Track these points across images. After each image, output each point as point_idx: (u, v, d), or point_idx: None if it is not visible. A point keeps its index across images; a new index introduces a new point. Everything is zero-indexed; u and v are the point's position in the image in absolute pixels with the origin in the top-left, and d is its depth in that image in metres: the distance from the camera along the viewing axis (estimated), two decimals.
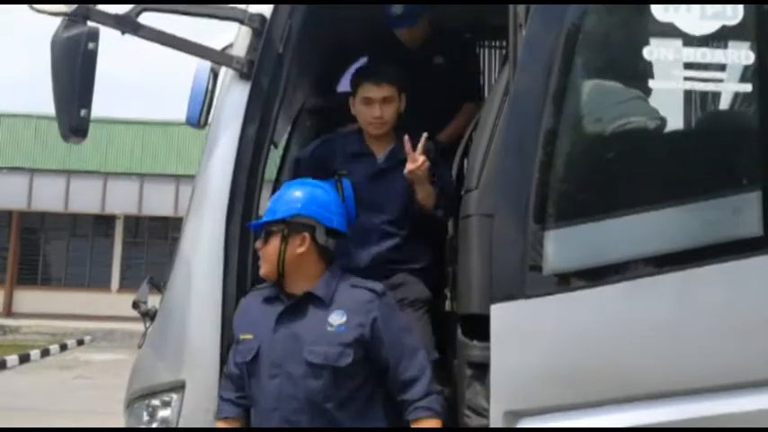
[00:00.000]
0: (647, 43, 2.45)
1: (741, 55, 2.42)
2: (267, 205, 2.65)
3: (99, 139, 19.36)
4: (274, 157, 3.79)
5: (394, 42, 3.67)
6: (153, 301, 2.95)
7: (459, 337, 2.68)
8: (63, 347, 15.69)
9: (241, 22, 2.81)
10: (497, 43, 4.53)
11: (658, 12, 2.44)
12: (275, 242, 2.49)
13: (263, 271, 2.55)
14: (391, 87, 2.98)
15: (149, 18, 2.73)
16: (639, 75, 2.50)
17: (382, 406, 2.49)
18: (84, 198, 20.85)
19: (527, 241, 2.39)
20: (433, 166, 2.94)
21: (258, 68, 2.78)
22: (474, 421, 2.52)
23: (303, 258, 2.49)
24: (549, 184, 2.41)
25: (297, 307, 2.49)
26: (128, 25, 2.68)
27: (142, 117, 21.65)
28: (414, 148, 2.85)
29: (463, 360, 2.61)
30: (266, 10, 2.82)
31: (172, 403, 2.69)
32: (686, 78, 2.45)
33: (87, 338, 17.38)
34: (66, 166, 20.58)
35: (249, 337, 2.50)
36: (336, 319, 2.44)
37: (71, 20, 2.56)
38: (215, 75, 3.15)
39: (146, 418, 2.75)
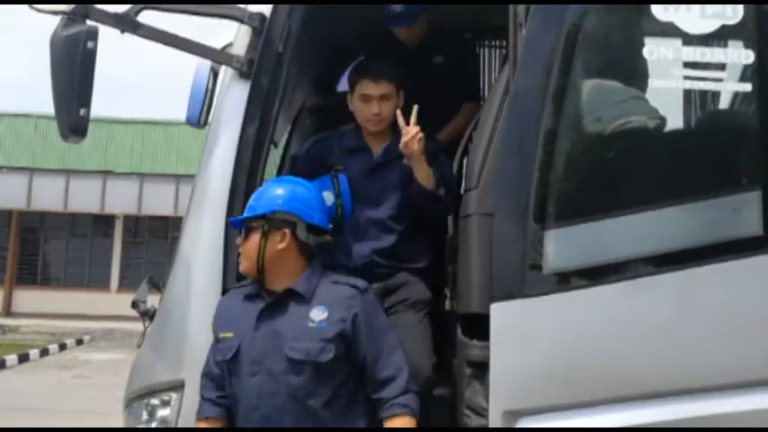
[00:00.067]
0: (646, 43, 2.46)
1: (741, 54, 2.42)
2: None
3: (99, 139, 19.36)
4: (274, 156, 3.79)
5: (393, 42, 3.67)
6: (152, 300, 2.95)
7: (458, 336, 2.67)
8: (62, 347, 15.69)
9: (241, 21, 2.81)
10: (497, 43, 4.53)
11: (658, 11, 2.44)
12: (255, 238, 2.48)
13: (242, 267, 2.54)
14: (389, 84, 2.97)
15: (149, 17, 2.73)
16: (639, 74, 2.50)
17: (363, 405, 2.48)
18: (84, 198, 20.84)
19: (527, 240, 2.39)
20: (432, 156, 2.93)
21: (258, 67, 2.78)
22: (473, 421, 2.52)
23: (283, 255, 2.48)
24: (548, 184, 2.41)
25: (277, 304, 2.48)
26: (127, 24, 2.68)
27: (142, 116, 21.64)
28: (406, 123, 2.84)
29: (463, 359, 2.61)
30: (266, 9, 2.82)
31: (171, 402, 2.69)
32: (686, 78, 2.45)
33: (86, 338, 17.37)
34: (66, 166, 20.58)
35: (229, 335, 2.49)
36: (318, 314, 2.43)
37: (70, 19, 2.56)
38: (215, 74, 3.15)
39: (145, 417, 2.75)
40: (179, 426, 2.67)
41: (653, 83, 2.49)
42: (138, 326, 3.02)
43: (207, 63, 3.12)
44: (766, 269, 2.30)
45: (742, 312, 2.31)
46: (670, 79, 2.46)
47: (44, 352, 14.57)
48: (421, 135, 2.84)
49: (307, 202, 2.54)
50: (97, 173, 20.77)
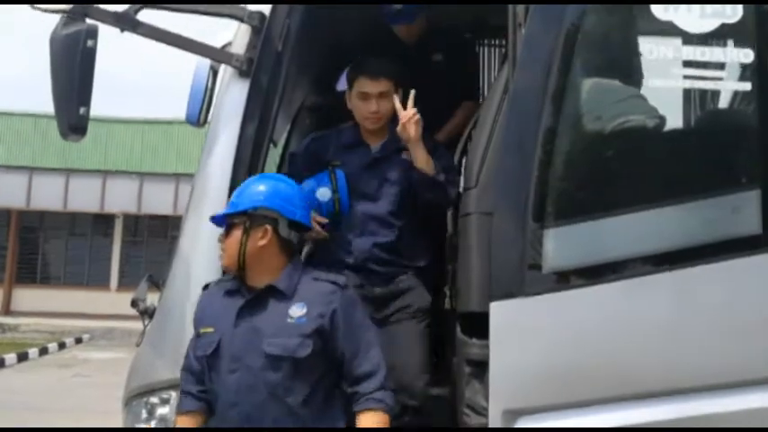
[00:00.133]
0: (646, 42, 2.46)
1: (740, 53, 2.42)
2: None
3: (98, 138, 19.36)
4: (274, 155, 3.78)
5: (392, 40, 3.67)
6: (152, 299, 2.95)
7: (458, 335, 2.68)
8: (61, 346, 15.68)
9: (240, 19, 2.81)
10: (496, 42, 4.53)
11: (658, 10, 2.44)
12: (237, 234, 2.48)
13: (223, 263, 2.54)
14: (388, 82, 2.96)
15: (148, 16, 2.73)
16: (638, 73, 2.50)
17: (341, 402, 2.46)
18: (84, 197, 20.84)
19: (526, 239, 2.39)
20: (432, 149, 2.93)
21: (257, 66, 2.78)
22: (473, 420, 2.52)
23: (265, 251, 2.48)
24: (548, 183, 2.41)
25: (257, 300, 2.47)
26: (127, 23, 2.68)
27: (141, 115, 21.64)
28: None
29: (462, 358, 2.61)
30: (265, 8, 2.82)
31: (170, 401, 2.69)
32: (685, 77, 2.46)
33: (86, 337, 17.37)
34: (66, 165, 20.58)
35: (210, 330, 2.49)
36: (297, 311, 2.43)
37: (70, 17, 2.56)
38: (214, 73, 3.15)
39: (144, 415, 2.75)
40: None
41: (652, 82, 2.50)
42: (137, 325, 3.02)
43: (206, 62, 3.12)
44: (765, 268, 2.30)
45: (741, 311, 2.32)
46: (669, 78, 2.47)
47: (43, 351, 14.57)
48: (418, 117, 2.84)
49: (288, 199, 2.53)
50: (97, 172, 20.76)
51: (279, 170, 3.93)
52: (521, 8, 2.59)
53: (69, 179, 20.82)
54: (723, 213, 2.40)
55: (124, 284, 20.92)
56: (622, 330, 2.34)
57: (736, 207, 2.38)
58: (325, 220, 2.90)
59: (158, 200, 20.59)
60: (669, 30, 2.43)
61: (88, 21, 2.58)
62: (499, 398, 2.38)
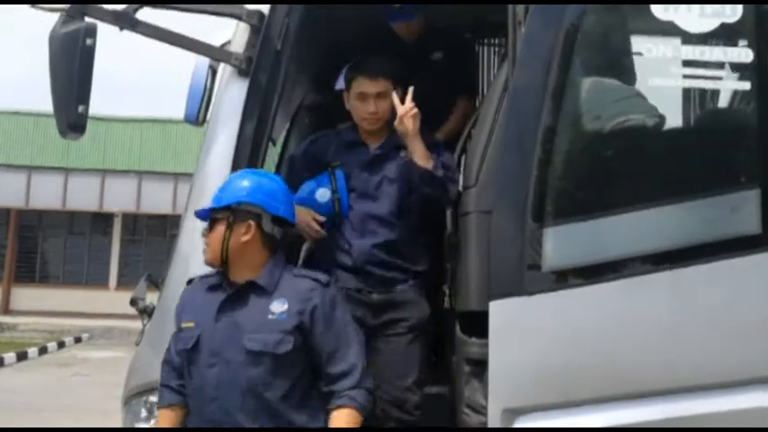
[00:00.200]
0: (645, 41, 2.46)
1: (739, 53, 2.42)
2: None
3: (97, 137, 19.34)
4: (273, 154, 3.78)
5: (392, 38, 3.66)
6: (151, 298, 2.95)
7: (457, 334, 2.68)
8: (61, 345, 15.68)
9: (239, 18, 2.81)
10: (496, 41, 4.52)
11: (657, 10, 2.44)
12: (220, 229, 2.48)
13: (206, 258, 2.54)
14: (386, 81, 2.94)
15: (148, 15, 2.73)
16: (638, 72, 2.50)
17: (319, 399, 2.45)
18: (82, 196, 20.82)
19: (526, 238, 2.39)
20: (431, 147, 2.92)
21: (256, 65, 2.78)
22: (472, 419, 2.52)
23: (247, 246, 2.48)
24: (547, 181, 2.41)
25: (239, 295, 2.48)
26: (126, 21, 2.68)
27: (140, 114, 21.62)
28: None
29: (462, 357, 2.61)
30: (265, 7, 2.82)
31: None
32: (685, 76, 2.46)
33: (85, 336, 17.36)
34: (64, 164, 20.55)
35: (191, 324, 2.49)
36: (278, 307, 2.43)
37: (69, 16, 2.55)
38: (213, 72, 3.15)
39: (143, 414, 2.75)
40: None
41: (652, 81, 2.50)
42: (136, 324, 3.02)
43: (205, 61, 3.11)
44: (764, 267, 2.31)
45: (740, 310, 2.32)
46: (669, 78, 2.47)
47: (43, 350, 14.57)
48: (415, 111, 2.83)
49: (272, 194, 2.53)
50: (95, 171, 20.75)
51: (278, 169, 3.93)
52: (520, 7, 2.59)
53: (68, 178, 20.80)
54: (722, 213, 2.40)
55: (123, 283, 20.90)
56: (621, 329, 2.34)
57: (735, 206, 2.38)
58: (323, 219, 2.89)
59: (157, 199, 20.58)
60: (669, 29, 2.43)
61: (87, 19, 2.58)
62: (498, 397, 2.38)
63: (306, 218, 2.88)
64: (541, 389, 2.36)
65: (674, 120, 2.54)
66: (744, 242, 2.33)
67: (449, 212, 3.02)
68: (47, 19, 2.60)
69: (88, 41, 2.55)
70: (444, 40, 3.70)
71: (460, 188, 2.90)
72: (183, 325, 2.52)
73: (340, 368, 2.42)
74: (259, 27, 2.78)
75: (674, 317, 2.33)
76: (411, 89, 2.86)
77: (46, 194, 20.84)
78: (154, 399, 2.71)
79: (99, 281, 21.94)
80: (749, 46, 2.41)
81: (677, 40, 2.43)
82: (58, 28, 2.55)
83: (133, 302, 2.94)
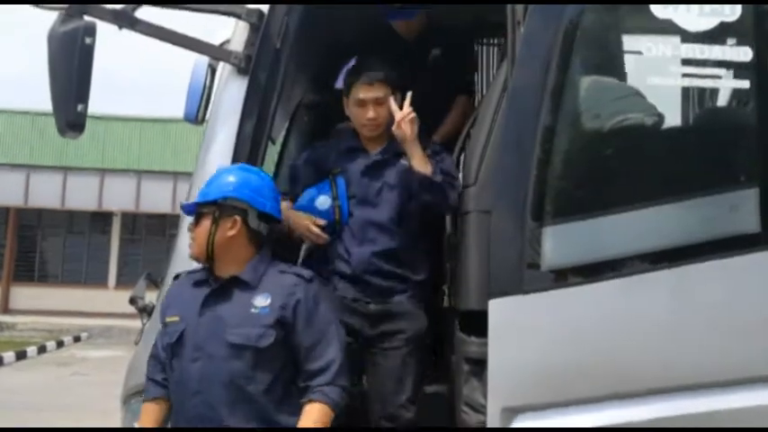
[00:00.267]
0: (644, 40, 2.46)
1: (738, 52, 2.42)
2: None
3: (96, 136, 19.32)
4: (272, 152, 3.78)
5: (391, 35, 3.66)
6: (150, 297, 2.94)
7: (456, 333, 2.68)
8: (60, 344, 15.67)
9: (239, 17, 2.81)
10: (495, 41, 4.52)
11: (656, 8, 2.44)
12: (206, 224, 2.48)
13: (192, 252, 2.55)
14: (385, 87, 2.91)
15: (147, 13, 2.73)
16: (637, 71, 2.50)
17: (299, 396, 2.44)
18: (82, 195, 20.80)
19: (525, 237, 2.39)
20: (433, 152, 2.90)
21: (256, 64, 2.77)
22: (471, 417, 2.52)
23: (233, 242, 2.48)
24: (546, 181, 2.42)
25: (222, 290, 2.48)
26: (125, 20, 2.67)
27: (139, 113, 21.61)
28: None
29: (461, 356, 2.61)
30: (264, 5, 2.82)
31: None
32: (684, 75, 2.46)
33: (84, 335, 17.35)
34: (64, 163, 20.54)
35: (175, 319, 2.50)
36: (261, 301, 2.43)
37: (68, 14, 2.55)
38: (213, 71, 3.14)
39: None
40: None
41: (651, 80, 2.50)
42: (135, 323, 3.02)
43: (205, 59, 3.11)
44: (763, 266, 2.31)
45: (739, 309, 2.32)
46: (668, 76, 2.47)
47: (42, 349, 14.56)
48: (413, 116, 2.82)
49: (258, 190, 2.53)
50: (95, 170, 20.74)
51: (277, 167, 3.94)
52: (519, 6, 2.59)
53: (67, 177, 20.79)
54: (721, 211, 2.40)
55: (122, 282, 20.89)
56: (621, 328, 2.35)
57: (734, 205, 2.38)
58: (323, 222, 2.88)
59: (156, 198, 20.56)
60: (668, 28, 2.43)
61: (86, 18, 2.58)
62: (497, 395, 2.38)
63: (305, 223, 2.88)
64: (541, 387, 2.36)
65: (672, 119, 2.54)
66: (743, 241, 2.34)
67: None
68: (47, 18, 2.60)
69: (87, 40, 2.55)
70: (444, 38, 3.70)
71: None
72: (168, 320, 2.53)
73: (318, 364, 2.42)
74: (258, 25, 2.78)
75: (672, 315, 2.33)
76: (409, 94, 2.85)
77: (45, 193, 20.83)
78: None
79: (98, 280, 21.94)
80: (748, 45, 2.41)
81: (676, 39, 2.44)
82: (57, 27, 2.55)
83: (132, 301, 2.94)
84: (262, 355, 2.39)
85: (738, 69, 2.42)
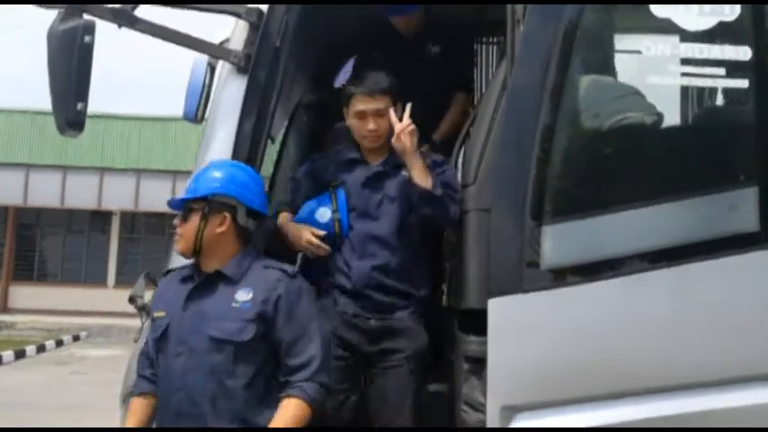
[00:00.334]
0: (644, 39, 2.46)
1: (737, 51, 2.42)
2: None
3: (95, 135, 19.31)
4: (271, 152, 3.77)
5: (390, 32, 3.66)
6: (149, 295, 2.94)
7: (456, 331, 2.68)
8: (59, 343, 15.66)
9: (238, 16, 2.80)
10: (494, 39, 4.52)
11: (655, 8, 2.44)
12: (195, 220, 2.49)
13: (179, 248, 2.55)
14: (384, 98, 2.89)
15: (146, 12, 2.73)
16: (636, 70, 2.50)
17: (279, 391, 2.44)
18: (81, 194, 20.79)
19: (524, 236, 2.39)
20: (435, 164, 2.88)
21: (255, 62, 2.77)
22: (471, 416, 2.52)
23: (222, 238, 2.50)
24: (546, 180, 2.42)
25: (206, 285, 2.49)
26: (124, 19, 2.67)
27: (139, 112, 21.60)
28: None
29: (460, 355, 2.61)
30: (263, 4, 2.82)
31: None
32: (683, 74, 2.46)
33: (83, 334, 17.34)
34: (63, 162, 20.53)
35: (161, 314, 2.52)
36: (243, 296, 2.43)
37: (67, 13, 2.55)
38: (212, 69, 3.14)
39: None
40: None
41: (650, 79, 2.50)
42: (134, 322, 3.01)
43: (204, 58, 3.10)
44: (762, 265, 2.31)
45: (739, 308, 2.32)
46: (667, 76, 2.47)
47: (41, 348, 14.55)
48: (413, 128, 2.79)
49: (245, 186, 2.54)
50: (94, 169, 20.73)
51: (276, 167, 3.93)
52: (519, 5, 2.59)
53: (66, 176, 20.78)
54: (721, 210, 2.40)
55: (121, 282, 20.88)
56: (620, 327, 2.35)
57: (733, 204, 2.38)
58: (322, 233, 2.86)
59: (155, 197, 20.50)
60: (667, 27, 2.43)
61: (85, 16, 2.57)
62: (497, 394, 2.38)
63: (305, 235, 2.86)
64: (540, 386, 2.36)
65: (672, 118, 2.54)
66: (742, 240, 2.34)
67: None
68: (47, 18, 2.59)
69: (86, 39, 2.54)
70: (443, 35, 3.70)
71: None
72: (155, 315, 2.55)
73: (298, 360, 2.41)
74: (258, 24, 2.78)
75: (672, 314, 2.33)
76: (408, 106, 2.83)
77: (44, 192, 20.81)
78: None
79: (97, 279, 21.93)
80: (747, 44, 2.41)
81: (675, 39, 2.44)
82: (57, 25, 2.55)
83: (132, 300, 2.93)
84: (242, 350, 2.40)
85: (737, 69, 2.42)
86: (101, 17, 2.61)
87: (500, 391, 2.38)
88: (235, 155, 2.73)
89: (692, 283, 2.34)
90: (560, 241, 2.43)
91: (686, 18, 2.43)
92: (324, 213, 2.89)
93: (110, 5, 2.66)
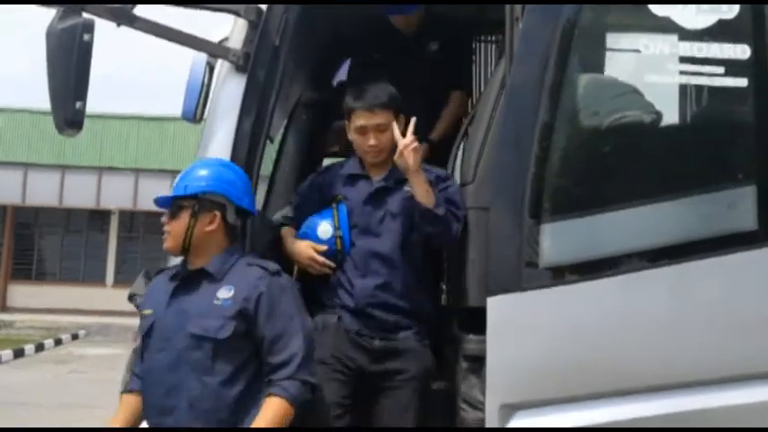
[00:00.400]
0: (643, 37, 2.46)
1: (736, 49, 2.42)
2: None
3: (94, 134, 19.30)
4: (270, 151, 3.77)
5: (389, 30, 3.66)
6: None
7: (455, 330, 2.68)
8: (57, 342, 15.65)
9: (237, 14, 2.80)
10: (493, 37, 4.52)
11: (654, 6, 2.45)
12: (184, 218, 2.50)
13: (167, 245, 2.56)
14: (386, 113, 2.83)
15: (145, 11, 2.72)
16: (635, 69, 2.51)
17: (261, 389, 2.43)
18: (79, 193, 20.79)
19: (523, 234, 2.39)
20: (439, 179, 2.83)
21: (254, 61, 2.77)
22: (470, 414, 2.53)
23: (211, 236, 2.51)
24: (544, 178, 2.42)
25: (190, 282, 2.50)
26: (123, 17, 2.67)
27: (137, 111, 21.58)
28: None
29: (459, 353, 2.61)
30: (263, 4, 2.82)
31: None
32: (681, 72, 2.46)
33: (82, 333, 17.33)
34: (61, 161, 20.51)
35: (149, 312, 2.53)
36: (224, 293, 2.44)
37: (66, 11, 2.54)
38: (211, 69, 3.13)
39: None
40: None
41: (649, 78, 2.50)
42: (133, 320, 3.02)
43: (203, 58, 3.10)
44: (761, 263, 2.31)
45: (737, 306, 2.33)
46: (666, 74, 2.47)
47: (39, 347, 14.53)
48: (416, 145, 2.73)
49: (233, 184, 2.54)
50: (92, 168, 20.71)
51: (275, 166, 3.93)
52: (518, 5, 2.59)
53: (65, 175, 20.76)
54: (719, 209, 2.40)
55: (120, 281, 20.88)
56: (619, 325, 2.35)
57: (732, 203, 2.39)
58: (323, 248, 2.82)
59: (154, 196, 20.42)
60: (666, 26, 2.43)
61: (84, 15, 2.57)
62: (496, 392, 2.38)
63: (308, 252, 2.83)
64: (539, 384, 2.36)
65: (670, 116, 2.55)
66: (741, 238, 2.34)
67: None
68: (46, 18, 2.59)
69: (85, 37, 2.54)
70: (442, 32, 3.70)
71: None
72: (144, 312, 2.56)
73: (280, 358, 2.40)
74: (257, 23, 2.77)
75: (671, 313, 2.34)
76: (413, 121, 2.78)
77: (42, 191, 20.80)
78: None
79: (96, 278, 21.92)
80: (746, 42, 2.42)
81: (674, 37, 2.44)
82: (56, 24, 2.54)
83: (131, 299, 2.93)
84: (221, 347, 2.40)
85: (736, 67, 2.42)
86: (100, 16, 2.61)
87: (499, 389, 2.38)
88: (234, 154, 2.73)
89: (691, 282, 2.34)
90: (559, 239, 2.43)
91: (684, 16, 2.43)
92: (326, 230, 2.85)
93: (109, 4, 2.66)
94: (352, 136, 2.92)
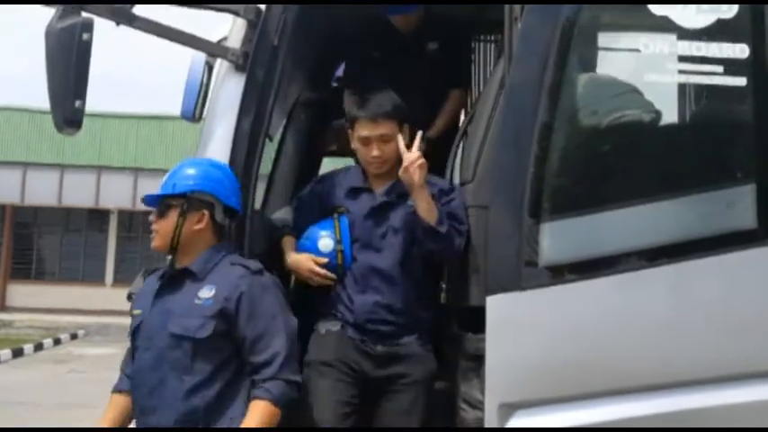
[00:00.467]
0: (642, 37, 2.46)
1: (735, 48, 2.43)
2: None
3: (93, 133, 19.30)
4: (269, 150, 3.77)
5: (389, 30, 3.66)
6: None
7: (454, 329, 2.68)
8: (57, 342, 15.64)
9: (236, 14, 2.80)
10: (492, 37, 4.52)
11: (653, 6, 2.45)
12: (173, 217, 2.50)
13: (154, 244, 2.56)
14: (390, 123, 2.78)
15: (145, 10, 2.72)
16: (634, 68, 2.51)
17: (247, 389, 2.42)
18: (78, 192, 20.79)
19: (522, 233, 2.39)
20: (443, 192, 2.80)
21: (253, 60, 2.76)
22: (469, 414, 2.53)
23: (199, 235, 2.51)
24: (544, 177, 2.42)
25: (175, 281, 2.51)
26: (122, 16, 2.67)
27: (137, 111, 21.59)
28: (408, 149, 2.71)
29: (459, 353, 2.61)
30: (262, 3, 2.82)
31: None
32: (680, 72, 2.46)
33: (81, 333, 17.32)
34: (60, 161, 20.52)
35: (137, 312, 2.55)
36: (205, 292, 2.44)
37: (65, 11, 2.54)
38: (210, 68, 3.14)
39: None
40: None
41: (648, 77, 2.50)
42: None
43: (202, 57, 3.10)
44: (760, 262, 2.31)
45: (737, 305, 2.33)
46: (665, 73, 2.47)
47: (38, 347, 14.53)
48: (422, 161, 2.68)
49: (221, 183, 2.55)
50: (91, 167, 20.71)
51: (274, 165, 3.93)
52: (517, 5, 2.59)
53: (64, 174, 20.77)
54: (719, 208, 2.41)
55: (119, 280, 20.88)
56: (618, 324, 2.35)
57: (731, 201, 2.39)
58: (324, 260, 2.78)
59: None
60: (665, 25, 2.43)
61: (84, 14, 2.57)
62: (495, 392, 2.38)
63: (308, 264, 2.78)
64: (538, 383, 2.36)
65: (669, 115, 2.55)
66: (740, 237, 2.34)
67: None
68: (46, 17, 2.59)
69: (85, 36, 2.54)
70: (441, 32, 3.70)
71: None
72: (134, 312, 2.57)
73: (262, 357, 2.40)
74: (256, 22, 2.77)
75: (670, 312, 2.34)
76: (419, 135, 2.75)
77: (41, 191, 20.80)
78: None
79: (95, 277, 21.92)
80: (745, 42, 2.42)
81: (673, 37, 2.44)
82: (55, 23, 2.54)
83: (129, 298, 2.93)
84: (200, 346, 2.40)
85: (735, 66, 2.43)
86: (99, 15, 2.61)
87: (498, 388, 2.38)
88: (233, 153, 2.73)
89: (690, 281, 2.34)
90: (558, 238, 2.43)
91: (684, 16, 2.43)
92: (327, 244, 2.81)
93: (108, 3, 2.66)
94: (355, 145, 2.87)
